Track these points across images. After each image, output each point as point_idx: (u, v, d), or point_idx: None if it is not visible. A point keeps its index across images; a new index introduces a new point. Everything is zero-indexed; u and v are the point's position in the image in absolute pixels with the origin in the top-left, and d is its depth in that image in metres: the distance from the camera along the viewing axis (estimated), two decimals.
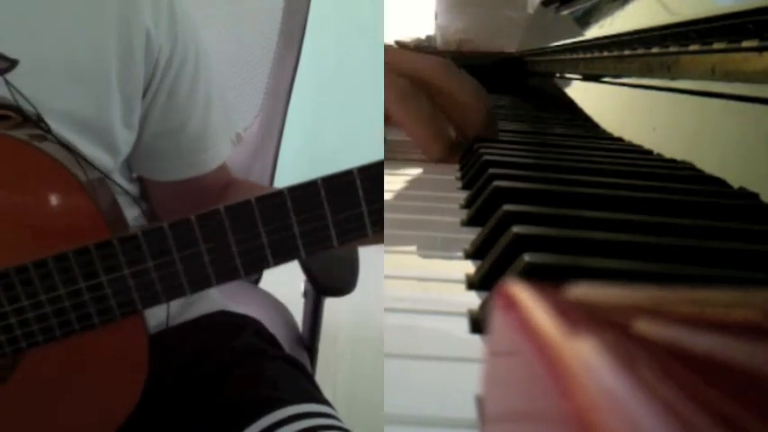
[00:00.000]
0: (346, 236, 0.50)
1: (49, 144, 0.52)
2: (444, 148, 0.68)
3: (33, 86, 0.53)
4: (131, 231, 0.50)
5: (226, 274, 0.51)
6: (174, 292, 0.51)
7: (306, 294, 0.91)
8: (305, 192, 0.49)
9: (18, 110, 0.53)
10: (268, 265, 0.51)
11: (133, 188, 0.68)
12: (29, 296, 0.49)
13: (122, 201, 0.58)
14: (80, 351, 0.52)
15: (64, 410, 0.53)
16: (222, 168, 0.69)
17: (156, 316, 0.65)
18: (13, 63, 0.53)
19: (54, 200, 0.50)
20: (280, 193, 0.49)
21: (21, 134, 0.51)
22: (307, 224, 0.50)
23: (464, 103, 0.70)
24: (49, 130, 0.53)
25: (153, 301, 0.51)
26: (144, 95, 0.61)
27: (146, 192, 0.70)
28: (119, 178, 0.64)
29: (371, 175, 0.49)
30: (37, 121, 0.53)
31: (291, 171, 0.98)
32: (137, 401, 0.53)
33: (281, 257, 0.51)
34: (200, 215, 0.49)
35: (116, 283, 0.50)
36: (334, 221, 0.50)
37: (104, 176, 0.56)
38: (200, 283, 0.51)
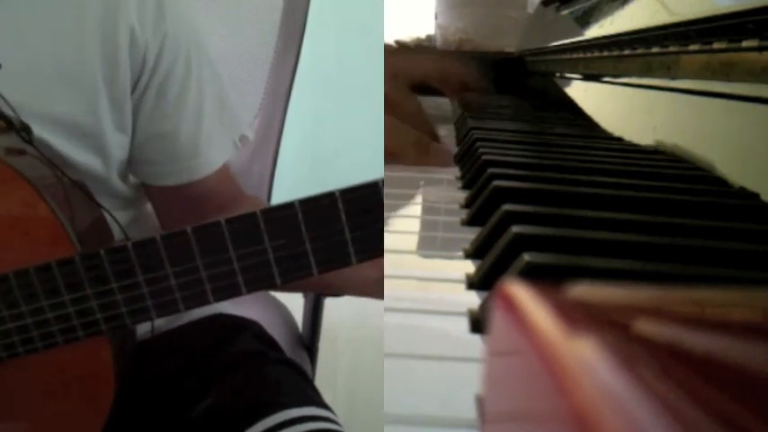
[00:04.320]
0: (327, 264, 0.47)
1: (26, 156, 0.51)
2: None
3: (19, 91, 0.53)
4: (95, 250, 0.47)
5: (194, 299, 0.48)
6: (139, 316, 0.48)
7: (306, 294, 0.91)
8: (281, 215, 0.46)
9: (2, 116, 0.52)
10: (240, 292, 0.48)
11: (131, 192, 0.67)
12: None
13: (115, 204, 0.57)
14: (43, 369, 0.50)
15: (23, 429, 0.52)
16: (223, 176, 0.67)
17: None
18: None
19: (10, 212, 0.49)
20: (252, 215, 0.46)
21: None
22: (282, 250, 0.46)
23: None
24: (30, 140, 0.52)
25: (117, 322, 0.48)
26: (132, 93, 0.61)
27: (150, 199, 0.69)
28: (115, 182, 0.63)
29: (358, 197, 0.45)
30: (19, 129, 0.52)
31: (291, 171, 0.98)
32: (104, 421, 0.51)
33: (254, 284, 0.47)
34: (166, 235, 0.46)
35: (79, 302, 0.47)
36: (312, 248, 0.46)
37: (86, 189, 0.54)
38: (167, 307, 0.48)
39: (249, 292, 0.48)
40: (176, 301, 0.48)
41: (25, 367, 0.50)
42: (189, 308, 0.48)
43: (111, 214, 0.55)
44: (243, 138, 0.68)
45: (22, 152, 0.51)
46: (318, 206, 0.45)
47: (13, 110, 0.52)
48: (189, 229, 0.46)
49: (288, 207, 0.46)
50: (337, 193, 0.45)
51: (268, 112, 0.90)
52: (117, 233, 0.56)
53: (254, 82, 0.89)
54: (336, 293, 0.69)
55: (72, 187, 0.53)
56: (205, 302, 0.48)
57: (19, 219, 0.49)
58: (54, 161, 0.52)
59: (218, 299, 0.48)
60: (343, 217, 0.45)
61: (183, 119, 0.63)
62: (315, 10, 0.87)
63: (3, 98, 0.52)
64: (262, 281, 0.47)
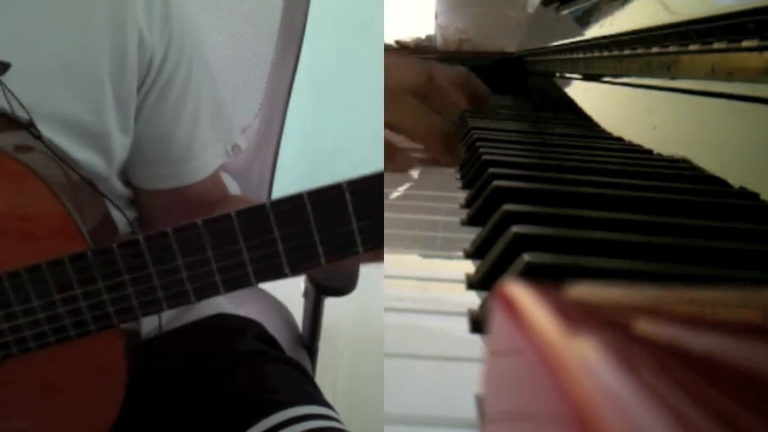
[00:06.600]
0: (335, 254, 0.47)
1: (35, 153, 0.51)
2: (456, 156, 0.73)
3: (26, 90, 0.53)
4: (107, 244, 0.47)
5: (205, 290, 0.48)
6: (150, 308, 0.49)
7: (306, 294, 0.91)
8: (289, 206, 0.46)
9: (7, 115, 0.52)
10: (250, 283, 0.48)
11: (131, 192, 0.67)
12: (2, 307, 0.48)
13: (117, 203, 0.57)
14: (55, 364, 0.50)
15: (36, 425, 0.52)
16: (214, 182, 0.68)
17: (151, 320, 0.64)
18: (5, 66, 0.53)
19: (22, 208, 0.49)
20: (262, 206, 0.46)
21: (4, 142, 0.50)
22: (291, 240, 0.47)
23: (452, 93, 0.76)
24: (39, 137, 0.52)
25: (128, 315, 0.49)
26: (137, 95, 0.61)
27: (137, 201, 0.69)
28: (116, 183, 0.63)
29: (364, 188, 0.46)
30: (27, 126, 0.52)
31: (291, 171, 0.98)
32: (115, 417, 0.52)
33: (263, 275, 0.48)
34: (178, 228, 0.47)
35: (91, 296, 0.48)
36: (321, 238, 0.47)
37: (94, 185, 0.54)
38: (178, 299, 0.48)
39: (258, 282, 0.48)
40: (187, 292, 0.48)
41: (37, 362, 0.50)
42: (200, 299, 0.49)
43: (120, 210, 0.56)
44: (235, 147, 0.68)
45: (30, 149, 0.51)
46: (326, 197, 0.46)
47: (23, 107, 0.52)
48: (200, 222, 0.47)
49: (296, 198, 0.46)
50: (344, 185, 0.46)
51: (268, 111, 0.90)
52: (122, 229, 0.57)
53: (254, 82, 0.89)
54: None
55: (80, 184, 0.53)
56: (215, 293, 0.49)
57: (31, 214, 0.49)
58: (62, 158, 0.53)
59: (229, 290, 0.49)
60: (350, 207, 0.46)
61: (181, 122, 0.63)
62: (315, 10, 0.87)
63: (12, 95, 0.52)
64: (271, 271, 0.48)
